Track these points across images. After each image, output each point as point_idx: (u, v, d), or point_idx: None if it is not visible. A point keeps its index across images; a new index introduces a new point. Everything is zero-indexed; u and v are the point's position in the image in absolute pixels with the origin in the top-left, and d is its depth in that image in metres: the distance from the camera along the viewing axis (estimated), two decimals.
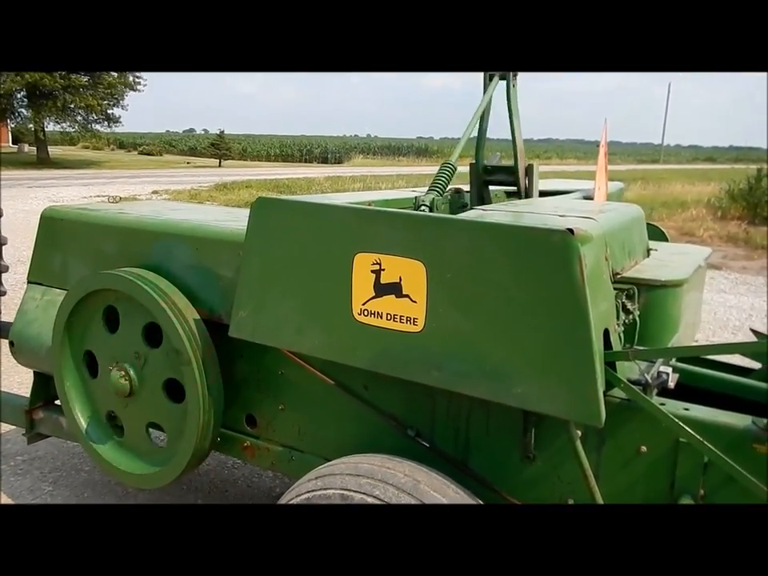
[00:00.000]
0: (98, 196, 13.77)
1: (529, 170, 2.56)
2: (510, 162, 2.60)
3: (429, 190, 2.23)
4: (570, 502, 1.63)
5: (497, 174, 2.69)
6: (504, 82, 2.48)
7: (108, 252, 2.23)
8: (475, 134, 2.56)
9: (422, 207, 2.10)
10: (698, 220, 11.19)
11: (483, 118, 2.52)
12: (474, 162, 2.70)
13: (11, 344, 2.45)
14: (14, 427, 3.11)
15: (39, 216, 2.42)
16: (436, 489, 1.45)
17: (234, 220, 2.17)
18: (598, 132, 2.33)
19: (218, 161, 31.03)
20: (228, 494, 2.88)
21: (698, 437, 1.39)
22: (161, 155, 40.99)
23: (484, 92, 2.47)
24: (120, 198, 2.54)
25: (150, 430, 2.11)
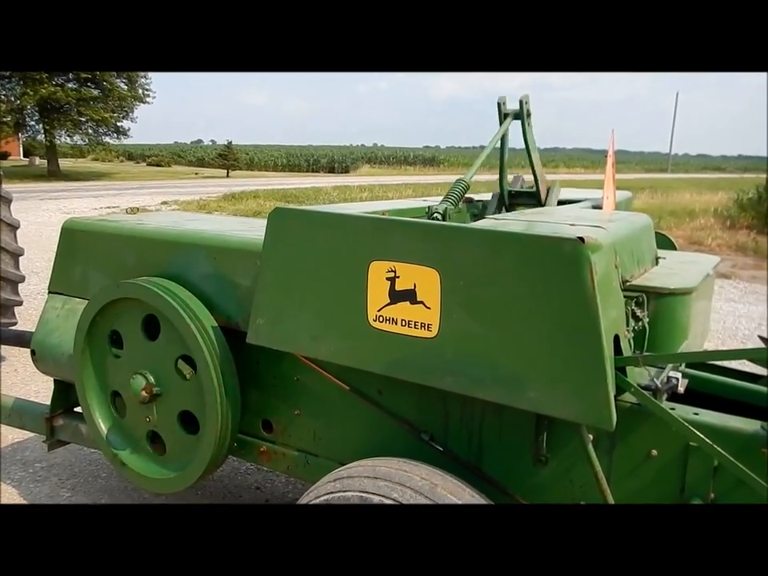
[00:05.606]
0: (109, 207, 13.92)
1: (549, 192, 2.72)
2: (531, 182, 2.75)
3: (442, 201, 2.29)
4: None
5: (520, 198, 2.89)
6: (518, 122, 2.58)
7: (127, 262, 2.28)
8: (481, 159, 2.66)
9: (435, 216, 2.15)
10: (707, 229, 11.18)
11: (503, 151, 2.65)
12: (497, 191, 2.87)
13: (32, 353, 2.50)
14: (32, 435, 3.16)
15: (60, 228, 2.49)
16: (452, 492, 1.48)
17: (249, 230, 2.22)
18: (606, 141, 2.38)
19: (225, 171, 31.33)
20: (242, 499, 2.92)
21: (708, 441, 1.42)
22: (169, 166, 41.37)
23: (499, 125, 2.57)
24: (138, 209, 2.60)
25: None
